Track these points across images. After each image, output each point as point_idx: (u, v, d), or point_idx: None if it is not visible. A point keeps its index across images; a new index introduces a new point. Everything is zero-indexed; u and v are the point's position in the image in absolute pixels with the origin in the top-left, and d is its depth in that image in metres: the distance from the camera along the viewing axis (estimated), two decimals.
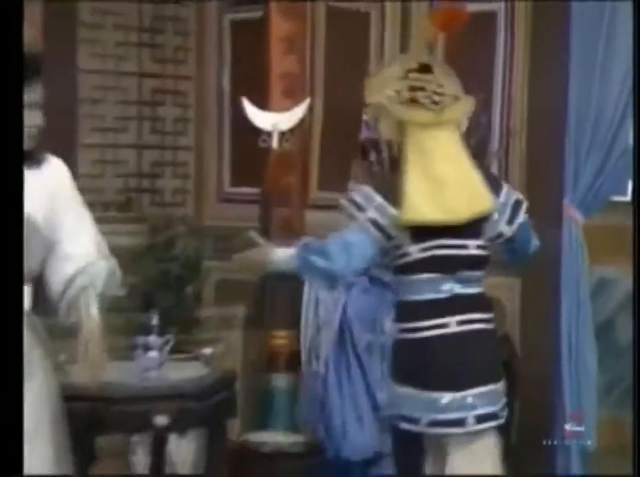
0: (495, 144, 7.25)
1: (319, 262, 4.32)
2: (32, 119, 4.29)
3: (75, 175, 7.14)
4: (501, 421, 4.59)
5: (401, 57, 5.48)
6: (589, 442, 6.52)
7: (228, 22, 7.76)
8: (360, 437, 5.77)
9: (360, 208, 4.35)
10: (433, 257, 4.39)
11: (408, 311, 4.54)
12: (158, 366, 5.19)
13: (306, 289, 5.91)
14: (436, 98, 4.48)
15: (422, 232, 4.40)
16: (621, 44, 6.32)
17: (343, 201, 4.56)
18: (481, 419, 4.45)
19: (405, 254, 4.41)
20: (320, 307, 5.83)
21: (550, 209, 6.78)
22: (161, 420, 4.93)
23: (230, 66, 7.75)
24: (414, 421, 4.45)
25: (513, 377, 6.48)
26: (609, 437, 6.81)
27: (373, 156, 5.83)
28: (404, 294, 4.55)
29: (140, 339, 5.29)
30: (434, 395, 4.45)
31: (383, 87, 4.63)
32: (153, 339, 5.24)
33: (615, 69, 6.43)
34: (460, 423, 4.42)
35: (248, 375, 6.51)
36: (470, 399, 4.44)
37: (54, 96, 6.33)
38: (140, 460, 6.03)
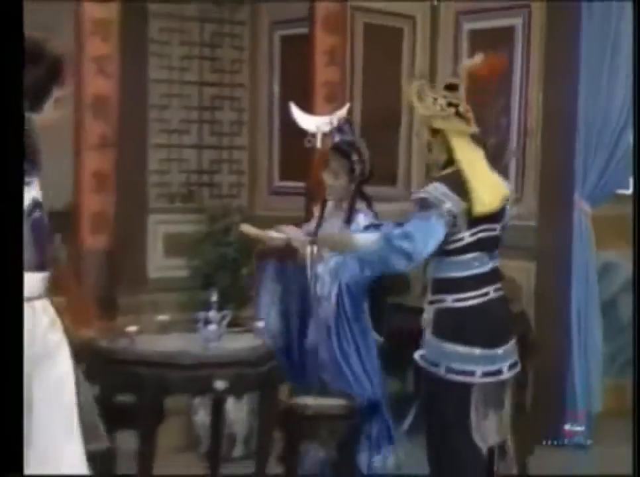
0: (513, 143, 7.41)
1: (405, 244, 4.64)
2: None
3: (146, 171, 7.44)
4: (518, 369, 4.91)
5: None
6: (595, 406, 6.87)
7: (278, 38, 7.91)
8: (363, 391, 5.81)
9: (439, 200, 4.61)
10: (479, 239, 4.72)
11: (456, 285, 4.80)
12: (218, 338, 5.18)
13: (307, 267, 5.84)
14: (469, 114, 4.77)
15: (474, 219, 4.71)
16: (623, 59, 6.53)
17: (418, 195, 4.79)
18: (510, 367, 4.79)
19: (459, 239, 4.69)
20: (318, 282, 6.22)
21: (562, 202, 7.02)
22: (220, 384, 4.94)
23: (279, 76, 7.89)
24: (470, 373, 4.73)
25: (529, 349, 6.58)
26: (612, 401, 7.07)
27: (355, 156, 5.79)
28: (451, 272, 4.81)
29: (202, 314, 5.29)
30: (485, 351, 4.75)
31: (425, 101, 4.90)
32: (213, 314, 5.23)
33: (618, 80, 6.66)
34: (500, 372, 4.74)
35: None
36: (501, 352, 4.76)
37: (128, 103, 6.60)
38: (201, 419, 6.26)
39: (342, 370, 5.67)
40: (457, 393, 4.89)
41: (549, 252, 7.17)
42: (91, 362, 4.97)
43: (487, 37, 7.50)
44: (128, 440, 5.27)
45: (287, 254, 5.88)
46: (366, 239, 5.05)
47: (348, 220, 5.71)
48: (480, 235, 4.80)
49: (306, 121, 6.92)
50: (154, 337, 5.26)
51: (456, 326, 4.88)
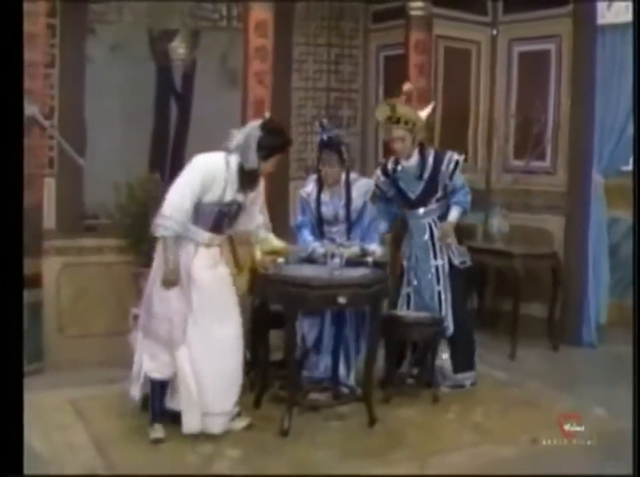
0: (549, 134, 7.70)
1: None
2: None
3: (289, 150, 7.28)
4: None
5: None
6: (602, 318, 7.36)
7: (383, 57, 8.25)
8: None
9: None
10: None
11: None
12: (340, 268, 5.30)
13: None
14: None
15: None
16: (628, 75, 6.77)
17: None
18: None
19: None
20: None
21: (584, 175, 7.40)
22: (342, 300, 5.08)
23: (383, 84, 8.23)
24: None
25: (558, 278, 7.32)
26: (615, 315, 7.50)
27: (342, 147, 5.69)
28: None
29: (330, 251, 5.45)
30: None
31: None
32: (337, 251, 5.40)
33: (624, 90, 6.99)
34: None
35: (394, 274, 6.34)
36: None
37: (278, 104, 7.08)
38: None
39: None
40: None
41: (574, 210, 7.50)
42: (256, 283, 5.41)
43: (531, 57, 7.89)
44: (275, 337, 5.58)
45: None
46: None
47: (348, 196, 5.73)
48: None
49: None
50: (297, 266, 5.44)
51: None
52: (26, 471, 3.65)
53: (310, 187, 5.89)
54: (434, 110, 7.07)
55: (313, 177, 5.95)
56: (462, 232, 6.36)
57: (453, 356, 6.09)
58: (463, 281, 6.22)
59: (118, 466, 4.53)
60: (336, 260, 5.38)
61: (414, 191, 6.11)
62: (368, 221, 5.85)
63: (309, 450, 4.85)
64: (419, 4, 7.38)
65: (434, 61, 7.77)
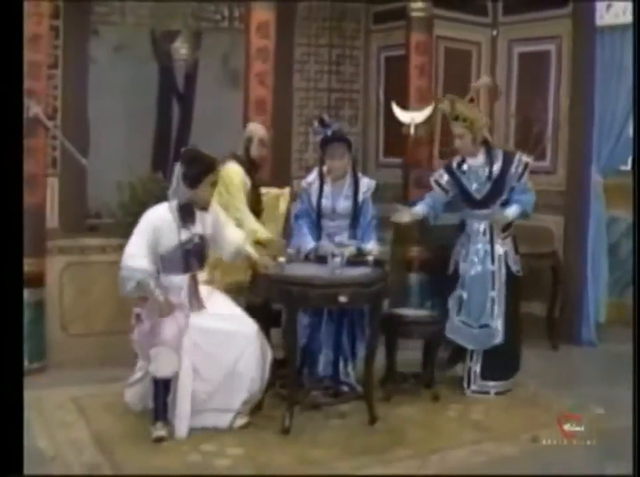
0: (548, 133, 7.65)
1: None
2: None
3: (291, 150, 7.99)
4: None
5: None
6: (601, 317, 7.30)
7: (384, 58, 8.26)
8: None
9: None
10: None
11: None
12: (341, 267, 5.26)
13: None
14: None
15: None
16: (626, 77, 6.85)
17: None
18: None
19: None
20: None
21: (583, 174, 7.34)
22: (343, 299, 5.05)
23: (384, 84, 8.24)
24: None
25: (558, 276, 7.27)
26: (615, 314, 7.45)
27: (348, 138, 5.69)
28: None
29: (330, 251, 5.37)
30: None
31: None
32: (337, 251, 5.36)
33: (622, 91, 6.99)
34: None
35: (394, 272, 6.46)
36: None
37: (279, 104, 7.12)
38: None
39: None
40: None
41: (573, 209, 7.45)
42: (257, 282, 5.43)
43: (531, 57, 7.86)
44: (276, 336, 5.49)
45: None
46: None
47: (356, 188, 5.67)
48: None
49: (403, 115, 7.28)
50: (299, 265, 5.41)
51: None
52: (28, 468, 3.61)
53: (312, 178, 5.81)
54: (434, 110, 7.14)
55: (317, 169, 5.88)
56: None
57: (485, 361, 5.94)
58: (517, 290, 6.06)
59: (120, 463, 4.51)
60: (337, 259, 5.35)
61: (480, 190, 5.97)
62: (367, 219, 5.76)
63: (310, 448, 4.82)
64: (420, 5, 7.35)
65: (434, 62, 7.73)
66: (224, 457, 4.65)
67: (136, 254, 4.88)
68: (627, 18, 6.78)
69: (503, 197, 5.94)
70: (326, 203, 5.71)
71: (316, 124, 5.76)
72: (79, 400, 5.52)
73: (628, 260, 7.56)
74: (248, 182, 5.78)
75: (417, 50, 7.42)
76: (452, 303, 6.05)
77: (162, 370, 4.90)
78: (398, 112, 7.27)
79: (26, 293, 5.64)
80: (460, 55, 8.06)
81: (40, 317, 6.15)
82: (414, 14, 7.36)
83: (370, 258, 5.48)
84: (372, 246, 5.61)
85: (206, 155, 5.09)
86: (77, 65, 6.71)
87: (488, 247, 5.96)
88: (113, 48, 8.37)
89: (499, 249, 5.96)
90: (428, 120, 7.33)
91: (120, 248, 6.35)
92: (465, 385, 5.92)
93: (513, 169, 5.89)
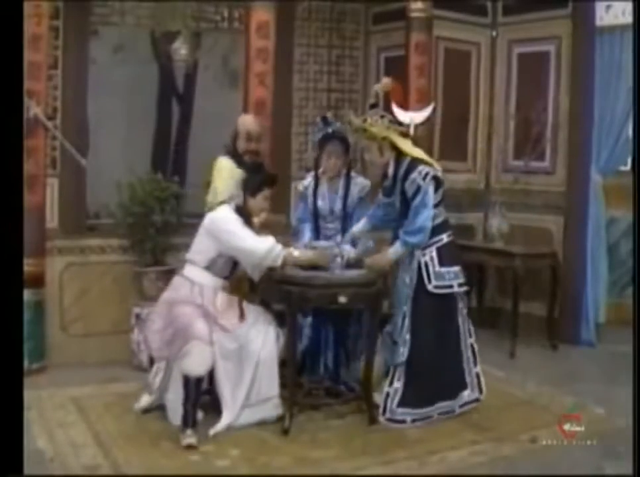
0: (548, 134, 7.64)
1: None
2: None
3: (290, 151, 7.91)
4: None
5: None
6: (601, 318, 7.30)
7: (383, 58, 8.19)
8: None
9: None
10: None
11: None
12: (341, 268, 5.29)
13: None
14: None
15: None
16: (625, 77, 6.92)
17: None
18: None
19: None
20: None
21: (582, 174, 7.35)
22: (342, 299, 5.09)
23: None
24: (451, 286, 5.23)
25: (557, 277, 7.27)
26: (613, 314, 7.47)
27: (347, 139, 5.63)
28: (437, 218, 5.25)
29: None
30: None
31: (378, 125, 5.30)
32: (337, 251, 5.35)
33: (621, 91, 7.03)
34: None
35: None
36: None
37: (279, 104, 7.09)
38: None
39: None
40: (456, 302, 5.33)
41: (573, 209, 7.45)
42: (259, 283, 5.32)
43: (530, 58, 7.84)
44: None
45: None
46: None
47: (347, 188, 5.66)
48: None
49: (403, 116, 6.74)
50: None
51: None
52: (28, 468, 3.61)
53: (308, 181, 5.87)
54: (434, 110, 6.98)
55: (312, 173, 5.90)
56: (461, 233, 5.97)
57: (405, 387, 5.33)
58: (440, 306, 5.38)
59: (121, 464, 4.50)
60: (337, 260, 5.37)
61: (397, 200, 5.52)
62: (356, 219, 5.73)
63: (310, 448, 4.82)
64: (419, 6, 7.31)
65: (434, 63, 7.71)
66: (224, 457, 4.64)
67: (255, 237, 4.99)
68: (627, 18, 6.83)
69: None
70: (322, 203, 5.74)
71: (319, 121, 5.78)
72: (79, 400, 5.51)
73: (628, 260, 7.65)
74: (236, 175, 5.66)
75: (416, 50, 7.38)
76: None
77: (196, 366, 4.87)
78: (398, 112, 6.77)
79: (26, 294, 5.61)
80: (459, 56, 8.07)
81: (40, 317, 6.14)
82: (413, 14, 7.33)
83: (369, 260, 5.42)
84: (348, 249, 5.52)
85: (269, 170, 5.32)
86: (77, 65, 6.67)
87: (408, 257, 5.39)
88: (113, 49, 8.40)
89: (415, 261, 5.36)
90: (428, 121, 7.04)
91: (120, 248, 6.59)
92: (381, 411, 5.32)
93: (408, 183, 5.32)
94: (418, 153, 5.38)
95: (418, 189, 5.26)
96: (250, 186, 5.15)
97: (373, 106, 5.81)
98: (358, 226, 5.64)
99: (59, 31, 6.54)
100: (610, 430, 5.15)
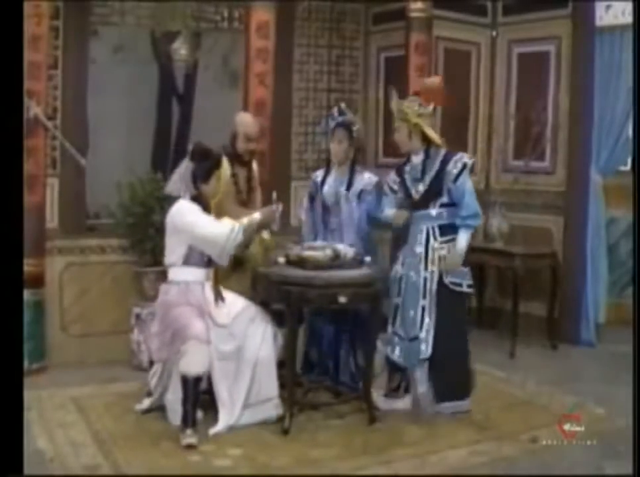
0: (548, 134, 7.64)
1: None
2: None
3: (290, 151, 7.92)
4: None
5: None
6: (601, 318, 7.31)
7: (383, 58, 8.21)
8: None
9: None
10: None
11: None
12: (340, 268, 5.21)
13: None
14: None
15: None
16: (625, 77, 6.95)
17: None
18: None
19: None
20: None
21: (582, 174, 7.36)
22: (342, 299, 5.08)
23: (383, 84, 8.08)
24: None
25: (557, 277, 7.29)
26: (613, 315, 7.49)
27: (353, 127, 5.77)
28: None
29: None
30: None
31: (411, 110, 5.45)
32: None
33: (621, 91, 7.05)
34: None
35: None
36: None
37: (279, 104, 7.12)
38: None
39: None
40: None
41: (573, 209, 7.46)
42: (258, 283, 5.39)
43: (530, 58, 7.85)
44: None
45: None
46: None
47: (350, 177, 5.76)
48: None
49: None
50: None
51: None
52: (28, 468, 3.60)
53: (320, 171, 6.02)
54: (434, 109, 6.69)
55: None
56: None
57: (435, 384, 5.42)
58: (454, 303, 5.45)
59: (121, 464, 4.49)
60: (328, 253, 5.38)
61: (417, 189, 5.55)
62: (358, 215, 5.81)
63: (310, 448, 4.82)
64: (419, 6, 7.32)
65: (434, 63, 7.71)
66: (224, 457, 4.64)
67: (215, 223, 5.01)
68: (627, 19, 6.84)
69: (443, 200, 5.48)
70: (327, 189, 5.84)
71: (335, 111, 5.90)
72: (79, 400, 5.52)
73: (627, 260, 7.68)
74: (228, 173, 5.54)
75: (416, 50, 7.40)
76: (391, 311, 5.63)
77: (194, 365, 4.86)
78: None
79: (26, 294, 5.63)
80: (459, 56, 8.07)
81: (40, 317, 6.15)
82: (413, 14, 7.34)
83: (368, 259, 5.46)
84: (346, 250, 5.48)
85: (214, 150, 5.23)
86: (77, 65, 6.67)
87: (423, 251, 5.45)
88: (113, 49, 8.43)
89: (435, 255, 5.43)
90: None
91: (120, 248, 6.59)
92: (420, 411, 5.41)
93: (449, 168, 5.43)
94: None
95: (459, 174, 5.42)
96: (201, 173, 5.10)
97: (416, 94, 5.83)
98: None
99: (59, 31, 6.54)
100: (610, 430, 5.15)
